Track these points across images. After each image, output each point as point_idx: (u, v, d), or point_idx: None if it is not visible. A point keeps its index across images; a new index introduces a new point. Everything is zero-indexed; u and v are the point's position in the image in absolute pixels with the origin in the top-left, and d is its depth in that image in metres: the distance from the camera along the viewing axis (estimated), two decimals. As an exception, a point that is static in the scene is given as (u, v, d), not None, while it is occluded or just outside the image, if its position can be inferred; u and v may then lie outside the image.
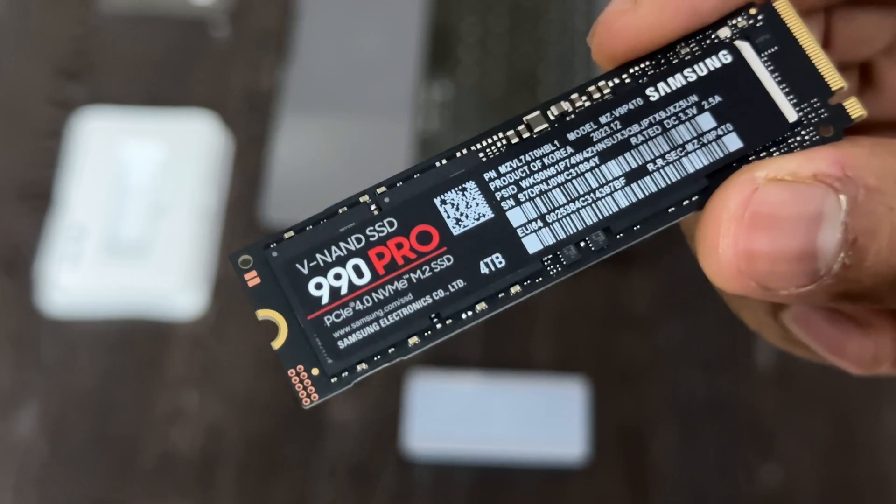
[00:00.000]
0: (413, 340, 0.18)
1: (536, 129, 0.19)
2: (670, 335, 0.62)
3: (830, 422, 0.60)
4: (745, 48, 0.18)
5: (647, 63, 0.19)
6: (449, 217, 0.18)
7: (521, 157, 0.18)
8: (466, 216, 0.18)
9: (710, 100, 0.18)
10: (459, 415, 0.58)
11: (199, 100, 0.69)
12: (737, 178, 0.17)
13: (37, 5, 0.72)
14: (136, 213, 0.63)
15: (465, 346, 0.62)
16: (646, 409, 0.60)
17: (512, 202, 0.18)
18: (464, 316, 0.18)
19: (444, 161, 0.18)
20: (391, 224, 0.18)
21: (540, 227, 0.18)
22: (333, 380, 0.17)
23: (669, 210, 0.18)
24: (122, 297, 0.61)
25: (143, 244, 0.62)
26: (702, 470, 0.58)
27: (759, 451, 0.59)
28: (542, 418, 0.58)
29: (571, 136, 0.18)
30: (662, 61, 0.19)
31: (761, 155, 0.18)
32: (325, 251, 0.18)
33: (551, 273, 0.18)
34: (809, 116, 0.18)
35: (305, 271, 0.18)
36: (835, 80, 0.18)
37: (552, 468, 0.58)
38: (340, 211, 0.18)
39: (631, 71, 0.19)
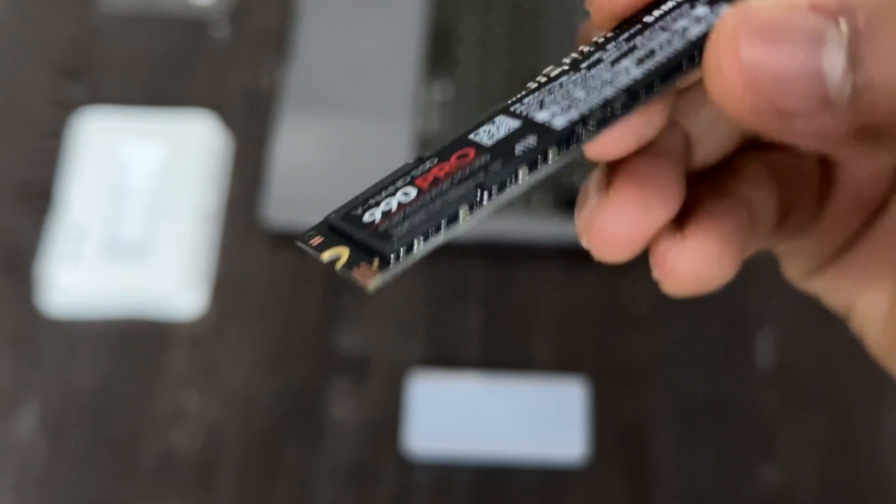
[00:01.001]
0: (463, 210, 0.19)
1: (554, 73, 0.20)
2: (670, 335, 0.62)
3: (831, 422, 0.60)
4: None
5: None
6: (482, 138, 0.20)
7: (542, 89, 0.20)
8: (497, 132, 0.20)
9: None
10: (459, 415, 0.58)
11: (199, 100, 0.69)
12: (735, 5, 0.17)
13: (37, 6, 0.73)
14: (135, 213, 0.64)
15: (465, 346, 0.62)
16: (646, 410, 0.60)
17: (537, 109, 0.20)
18: (508, 185, 0.19)
19: (476, 119, 0.20)
20: (433, 161, 0.20)
21: (565, 110, 0.19)
22: (392, 256, 0.18)
23: (682, 66, 0.19)
24: (122, 297, 0.61)
25: (143, 244, 0.62)
26: (702, 470, 0.59)
27: (759, 452, 0.59)
28: (542, 418, 0.58)
29: (584, 65, 0.20)
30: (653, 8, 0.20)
31: None
32: (376, 195, 0.20)
33: (583, 136, 0.19)
34: None
35: (359, 211, 0.19)
36: None
37: (552, 468, 0.58)
38: (390, 173, 0.20)
39: (631, 20, 0.20)
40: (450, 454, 0.58)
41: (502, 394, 0.59)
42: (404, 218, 0.19)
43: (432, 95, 0.69)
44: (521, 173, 0.19)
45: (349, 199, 0.20)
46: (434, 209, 0.19)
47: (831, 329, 0.62)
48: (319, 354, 0.61)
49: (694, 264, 0.21)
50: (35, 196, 0.65)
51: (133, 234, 0.63)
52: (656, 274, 0.21)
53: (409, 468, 0.58)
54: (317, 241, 0.19)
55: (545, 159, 0.19)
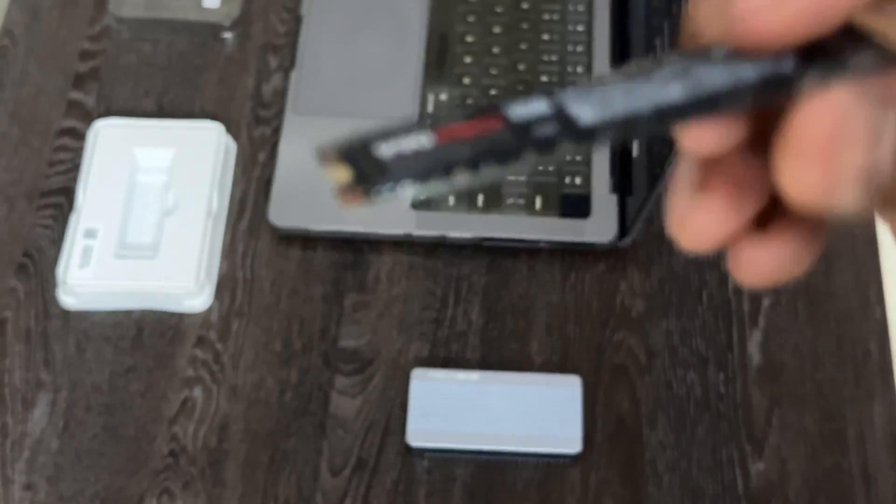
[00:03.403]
0: (459, 172, 0.19)
1: (607, 76, 0.20)
2: (664, 334, 0.63)
3: (819, 416, 0.61)
4: None
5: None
6: (510, 112, 0.20)
7: (588, 86, 0.20)
8: (527, 111, 0.20)
9: None
10: (459, 412, 0.59)
11: (206, 104, 0.70)
12: (824, 96, 0.18)
13: (48, 14, 0.74)
14: (146, 215, 0.65)
15: (464, 346, 0.63)
16: (641, 406, 0.61)
17: (573, 99, 0.20)
18: (511, 159, 0.19)
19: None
20: (458, 117, 0.20)
21: (595, 110, 0.19)
22: (375, 191, 0.19)
23: (721, 94, 0.19)
24: (133, 295, 0.63)
25: (153, 245, 0.63)
26: (696, 465, 0.59)
27: (751, 446, 0.60)
28: (539, 415, 0.59)
29: (633, 70, 0.20)
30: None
31: (818, 68, 0.19)
32: (398, 133, 0.19)
33: (601, 139, 0.19)
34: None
35: (378, 144, 0.19)
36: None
37: (550, 463, 0.59)
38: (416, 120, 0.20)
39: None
40: (450, 450, 0.59)
41: (501, 391, 0.60)
42: (410, 161, 0.19)
43: (436, 98, 0.69)
44: (525, 154, 0.19)
45: (378, 129, 0.20)
46: (436, 160, 0.19)
47: (820, 327, 0.63)
48: (323, 352, 0.62)
49: (775, 263, 0.21)
50: (47, 198, 0.66)
51: (143, 235, 0.64)
52: (733, 270, 0.21)
53: (410, 462, 0.59)
54: (327, 158, 0.19)
55: (552, 148, 0.19)
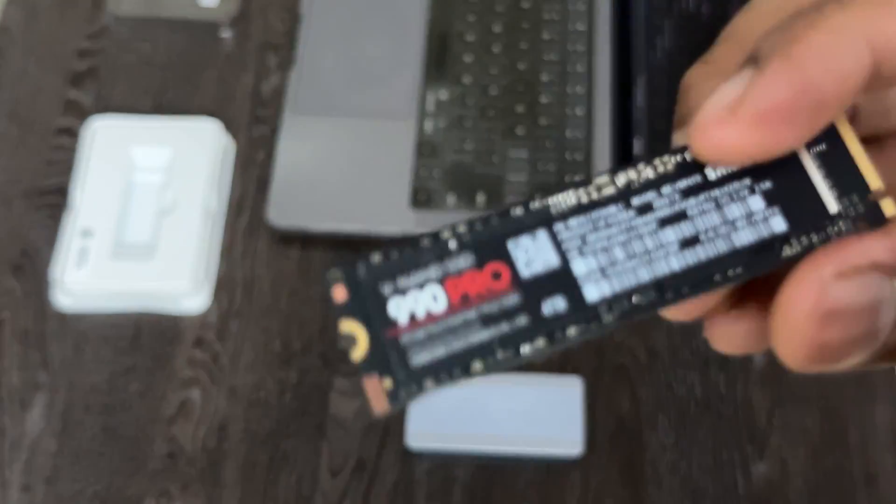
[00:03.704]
0: (476, 366, 0.20)
1: (604, 192, 0.20)
2: (667, 334, 0.63)
3: (823, 419, 0.61)
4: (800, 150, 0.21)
5: None
6: (519, 259, 0.20)
7: (589, 214, 0.20)
8: (535, 260, 0.20)
9: (762, 184, 0.20)
10: (459, 413, 0.59)
11: (204, 103, 0.70)
12: (805, 277, 0.19)
13: (45, 12, 0.73)
14: (142, 215, 0.64)
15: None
16: (643, 407, 0.61)
17: (576, 253, 0.20)
18: (523, 349, 0.20)
19: (518, 209, 0.20)
20: (467, 259, 0.20)
21: (599, 279, 0.20)
22: (402, 392, 0.20)
23: (715, 277, 0.20)
24: (129, 296, 0.62)
25: (150, 245, 0.63)
26: (697, 466, 0.59)
27: (753, 448, 0.60)
28: (540, 416, 0.59)
29: (635, 202, 0.20)
30: None
31: (802, 239, 0.20)
32: (407, 276, 0.20)
33: (605, 321, 0.20)
34: (847, 210, 0.20)
35: (387, 293, 0.20)
36: (873, 179, 0.21)
37: (551, 464, 0.59)
38: (423, 242, 0.20)
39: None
40: (450, 451, 0.59)
41: (502, 392, 0.60)
42: (428, 339, 0.20)
43: (435, 97, 0.69)
44: (540, 343, 0.20)
45: (383, 251, 0.20)
46: (454, 348, 0.20)
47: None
48: (322, 353, 0.62)
49: (748, 338, 0.21)
50: (44, 198, 0.66)
51: (140, 234, 0.64)
52: (708, 338, 0.22)
53: (410, 464, 0.59)
54: (339, 293, 0.20)
55: (564, 337, 0.20)
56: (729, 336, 0.21)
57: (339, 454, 0.59)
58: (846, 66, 0.18)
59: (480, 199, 0.65)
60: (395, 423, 0.60)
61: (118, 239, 0.63)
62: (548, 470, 0.59)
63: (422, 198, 0.65)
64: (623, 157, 0.67)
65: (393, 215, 0.65)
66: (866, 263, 0.18)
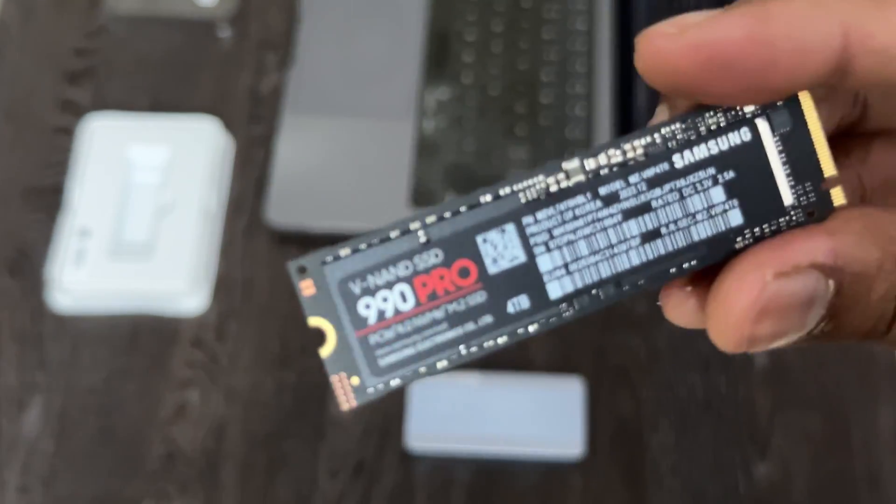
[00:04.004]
0: (441, 364, 0.20)
1: (573, 180, 0.21)
2: (667, 335, 0.63)
3: (826, 420, 0.60)
4: (763, 127, 0.21)
5: (679, 126, 0.21)
6: (487, 255, 0.20)
7: (556, 205, 0.21)
8: (503, 256, 0.20)
9: (725, 174, 0.21)
10: (459, 414, 0.59)
11: (203, 102, 0.69)
12: (747, 273, 0.19)
13: (43, 10, 0.73)
14: (140, 214, 0.64)
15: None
16: (644, 408, 0.61)
17: (543, 248, 0.21)
18: (486, 345, 0.21)
19: (488, 197, 0.21)
20: (437, 255, 0.20)
21: (562, 276, 0.21)
22: (370, 390, 0.20)
23: (671, 270, 0.21)
24: (127, 296, 0.62)
25: (147, 245, 0.63)
26: (699, 467, 0.59)
27: (755, 449, 0.59)
28: (541, 417, 0.59)
29: (602, 191, 0.21)
30: (691, 127, 0.21)
31: (755, 231, 0.21)
32: (376, 273, 0.20)
33: (564, 316, 0.21)
34: (801, 199, 0.21)
35: (357, 291, 0.20)
36: (828, 166, 0.21)
37: (551, 466, 0.59)
38: (392, 235, 0.20)
39: (663, 132, 0.21)
40: (450, 453, 0.58)
41: (502, 393, 0.59)
42: (395, 338, 0.20)
43: (434, 97, 0.69)
44: (501, 340, 0.20)
45: (354, 239, 0.20)
46: (421, 348, 0.20)
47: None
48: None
49: (696, 315, 0.22)
50: (41, 198, 0.66)
51: (137, 234, 0.63)
52: (662, 307, 0.22)
53: (409, 465, 0.59)
54: (307, 288, 0.20)
55: (525, 333, 0.20)
56: (680, 309, 0.21)
57: (338, 455, 0.59)
58: (810, 39, 0.18)
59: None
60: (394, 425, 0.59)
61: (116, 238, 0.63)
62: (548, 471, 0.59)
63: (421, 198, 0.65)
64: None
65: (392, 215, 0.64)
66: (806, 263, 0.19)
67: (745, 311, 0.19)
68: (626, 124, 0.68)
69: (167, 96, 0.70)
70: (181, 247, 0.62)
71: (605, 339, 0.62)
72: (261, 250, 0.65)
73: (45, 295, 0.63)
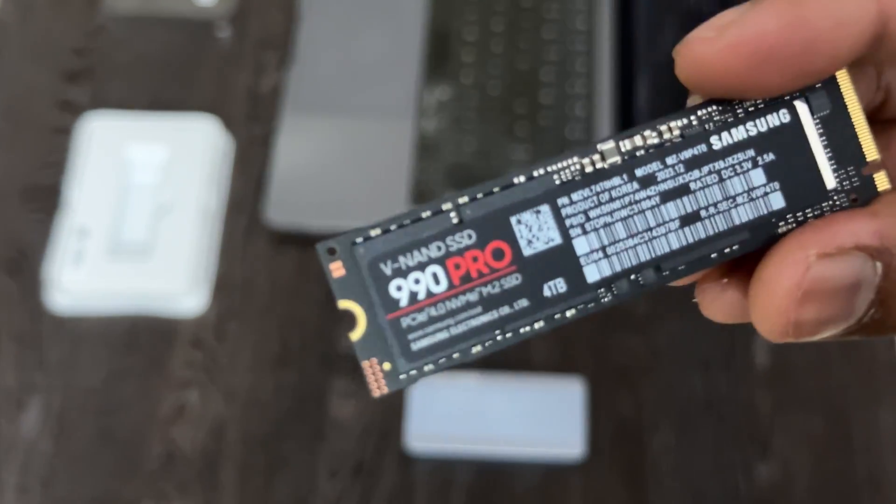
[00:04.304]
0: (476, 349, 0.20)
1: (609, 161, 0.20)
2: (668, 335, 0.62)
3: (827, 420, 0.60)
4: (803, 110, 0.20)
5: (715, 108, 0.20)
6: (522, 237, 0.20)
7: (592, 186, 0.20)
8: (538, 238, 0.20)
9: (765, 156, 0.20)
10: (459, 414, 0.59)
11: (202, 102, 0.69)
12: (790, 255, 0.19)
13: (42, 9, 0.73)
14: (139, 214, 0.64)
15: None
16: (644, 408, 0.60)
17: (579, 230, 0.20)
18: (522, 331, 0.20)
19: (521, 178, 0.20)
20: (469, 237, 0.20)
21: (600, 258, 0.20)
22: (402, 376, 0.19)
23: (712, 255, 0.20)
24: (126, 296, 0.62)
25: (146, 245, 0.63)
26: (699, 468, 0.59)
27: (756, 450, 0.59)
28: (541, 418, 0.59)
29: (639, 173, 0.20)
30: (728, 109, 0.20)
31: (798, 215, 0.20)
32: (408, 254, 0.19)
33: (602, 301, 0.20)
34: (843, 183, 0.20)
35: (388, 272, 0.19)
36: (871, 150, 0.20)
37: (551, 466, 0.59)
38: (424, 216, 0.20)
39: (699, 114, 0.20)
40: (450, 453, 0.58)
41: (502, 394, 0.59)
42: (428, 321, 0.19)
43: (434, 96, 0.69)
44: (538, 326, 0.20)
45: (385, 220, 0.19)
46: (455, 332, 0.19)
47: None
48: (320, 354, 0.62)
49: (734, 308, 0.21)
50: (40, 197, 0.66)
51: (136, 234, 0.63)
52: (699, 304, 0.22)
53: (409, 466, 0.59)
54: (337, 269, 0.19)
55: (563, 318, 0.20)
56: (718, 304, 0.21)
57: (337, 456, 0.59)
58: (847, 11, 0.18)
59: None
60: (393, 425, 0.59)
61: (115, 238, 0.63)
62: (548, 472, 0.59)
63: (421, 198, 0.65)
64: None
65: (392, 213, 0.65)
66: (851, 245, 0.18)
67: (788, 293, 0.18)
68: (627, 124, 0.68)
69: (166, 96, 0.70)
70: (180, 247, 0.62)
71: (606, 339, 0.62)
72: (260, 250, 0.65)
73: (43, 295, 0.62)
